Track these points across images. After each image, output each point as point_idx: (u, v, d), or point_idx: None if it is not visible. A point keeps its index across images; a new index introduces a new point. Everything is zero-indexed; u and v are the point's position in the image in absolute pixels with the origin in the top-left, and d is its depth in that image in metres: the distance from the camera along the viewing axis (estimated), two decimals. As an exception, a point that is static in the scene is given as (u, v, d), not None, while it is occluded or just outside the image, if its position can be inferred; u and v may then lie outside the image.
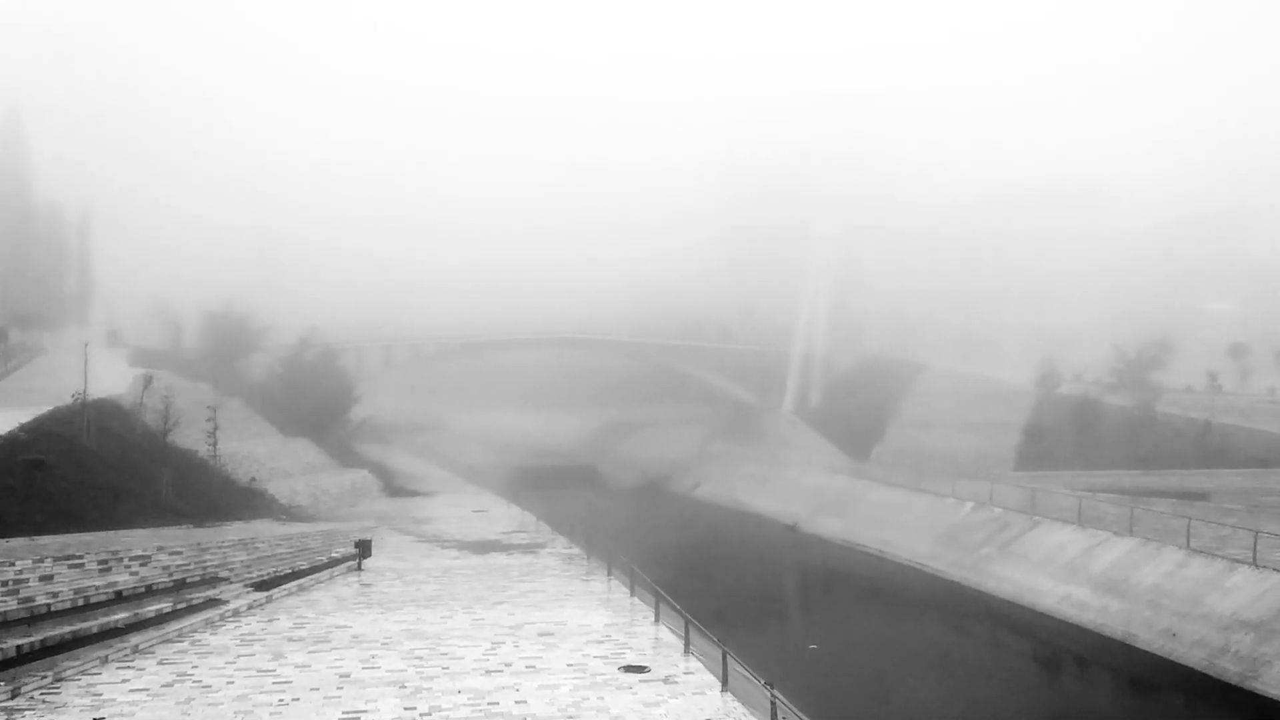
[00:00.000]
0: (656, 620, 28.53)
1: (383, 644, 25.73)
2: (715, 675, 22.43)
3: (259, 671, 22.83)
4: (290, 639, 26.19)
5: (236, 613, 29.27)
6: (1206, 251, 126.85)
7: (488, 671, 23.16)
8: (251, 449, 56.63)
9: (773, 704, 18.10)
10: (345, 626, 27.75)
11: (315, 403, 69.11)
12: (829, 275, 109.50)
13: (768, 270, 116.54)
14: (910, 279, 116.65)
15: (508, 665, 23.75)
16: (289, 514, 47.83)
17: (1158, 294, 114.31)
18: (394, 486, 68.63)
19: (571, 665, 23.81)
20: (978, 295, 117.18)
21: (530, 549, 43.58)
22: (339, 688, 21.61)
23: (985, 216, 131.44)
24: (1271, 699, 29.68)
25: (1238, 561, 36.50)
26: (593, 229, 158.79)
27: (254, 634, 26.72)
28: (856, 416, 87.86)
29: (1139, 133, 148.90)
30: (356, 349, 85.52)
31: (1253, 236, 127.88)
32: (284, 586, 32.97)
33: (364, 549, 38.78)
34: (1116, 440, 66.96)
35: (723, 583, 48.39)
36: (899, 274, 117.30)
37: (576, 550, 42.93)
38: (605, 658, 24.61)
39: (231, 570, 33.64)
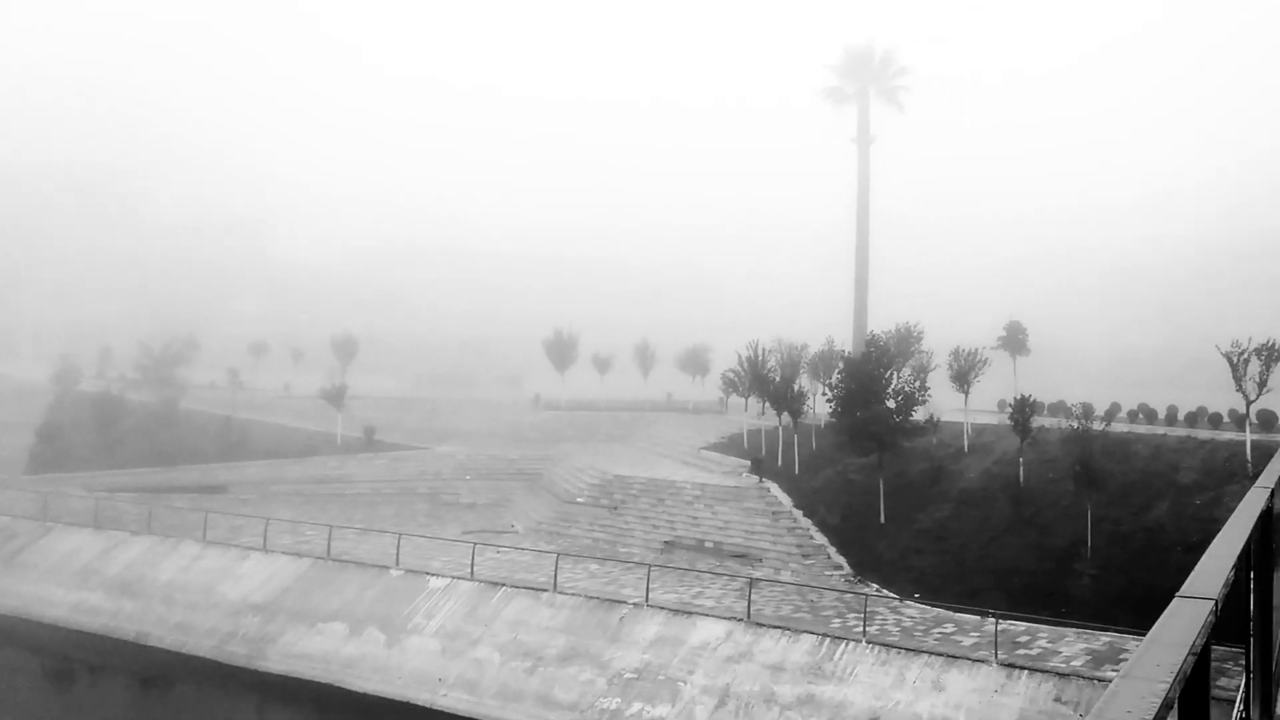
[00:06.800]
0: None
1: None
2: None
3: None
4: None
5: None
6: (231, 252, 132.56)
7: None
8: None
9: None
10: None
11: None
12: None
13: None
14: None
15: None
16: None
17: (186, 290, 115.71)
18: None
19: None
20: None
21: None
22: None
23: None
24: (275, 674, 31.99)
25: (251, 549, 38.79)
26: None
27: None
28: None
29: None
30: None
31: (272, 240, 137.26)
32: None
33: None
34: (140, 438, 65.85)
35: None
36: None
37: None
38: None
39: None
